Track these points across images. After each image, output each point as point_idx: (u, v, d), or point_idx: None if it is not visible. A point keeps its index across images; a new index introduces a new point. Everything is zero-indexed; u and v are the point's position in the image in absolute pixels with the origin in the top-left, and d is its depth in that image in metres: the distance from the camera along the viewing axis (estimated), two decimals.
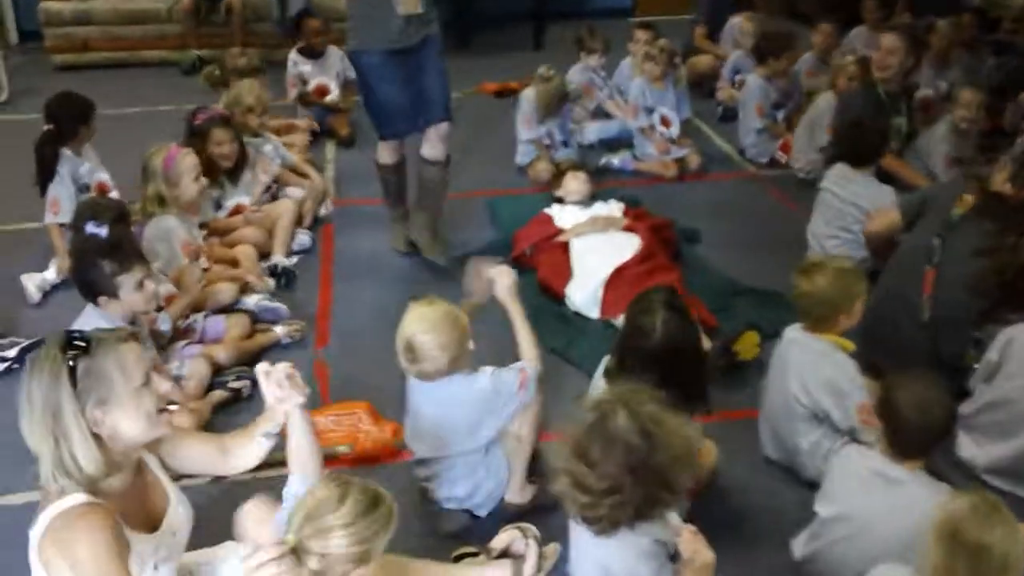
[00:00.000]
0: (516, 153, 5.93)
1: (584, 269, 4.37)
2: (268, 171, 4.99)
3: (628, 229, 4.62)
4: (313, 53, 6.51)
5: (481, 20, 8.78)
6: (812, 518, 2.81)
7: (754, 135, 6.11)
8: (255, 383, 3.65)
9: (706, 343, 3.80)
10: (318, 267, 4.76)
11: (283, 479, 2.43)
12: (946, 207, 3.55)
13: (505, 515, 3.01)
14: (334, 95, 6.53)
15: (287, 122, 5.89)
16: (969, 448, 3.23)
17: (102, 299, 3.23)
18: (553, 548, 2.80)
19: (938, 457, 2.80)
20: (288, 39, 7.21)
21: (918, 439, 2.57)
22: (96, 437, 2.06)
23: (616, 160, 5.98)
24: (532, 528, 2.78)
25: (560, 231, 4.67)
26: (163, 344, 3.68)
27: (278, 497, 2.41)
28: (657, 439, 2.06)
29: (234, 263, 4.42)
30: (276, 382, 2.36)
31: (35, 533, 2.06)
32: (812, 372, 3.10)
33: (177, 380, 3.56)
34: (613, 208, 4.86)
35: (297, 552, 1.89)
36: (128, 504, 2.17)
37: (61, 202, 4.47)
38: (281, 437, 2.46)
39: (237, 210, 4.78)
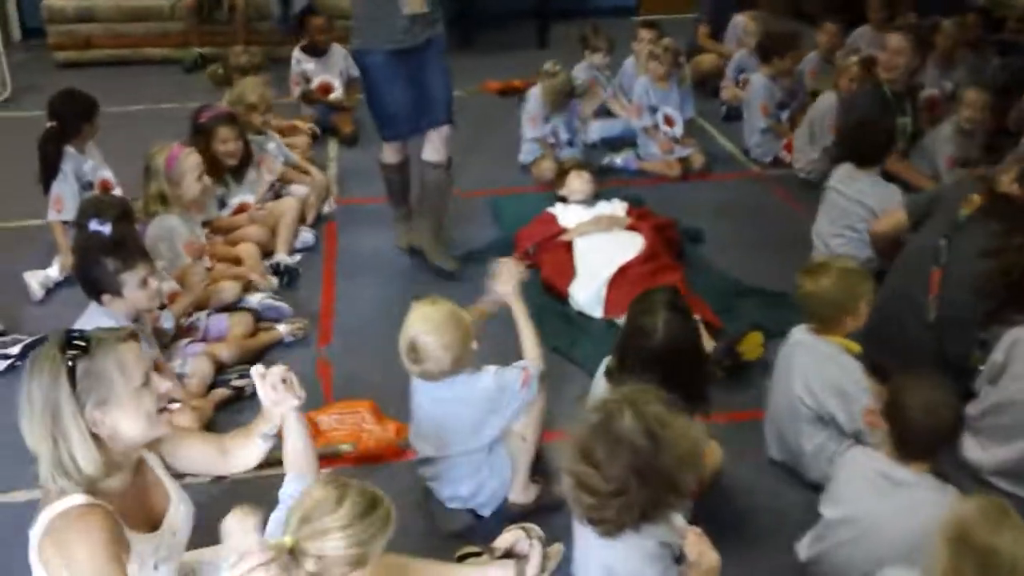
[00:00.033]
0: (520, 151, 5.93)
1: (588, 268, 4.36)
2: (272, 170, 4.98)
3: (632, 228, 4.61)
4: (316, 51, 6.51)
5: (485, 18, 8.78)
6: (817, 520, 2.80)
7: (758, 135, 6.10)
8: None
9: (710, 343, 3.81)
10: (321, 265, 4.75)
11: (283, 478, 2.44)
12: (953, 208, 3.54)
13: (508, 515, 3.00)
14: (338, 93, 6.53)
15: (289, 123, 5.87)
16: (974, 450, 3.21)
17: (106, 297, 3.21)
18: (557, 549, 2.78)
19: (943, 459, 2.78)
20: (289, 37, 7.22)
21: (925, 441, 2.55)
22: (95, 437, 2.05)
23: (619, 159, 5.97)
24: (536, 528, 2.76)
25: (563, 230, 4.66)
26: (166, 342, 3.68)
27: (272, 499, 2.40)
28: (663, 440, 2.05)
29: (237, 261, 4.42)
30: (271, 385, 2.36)
31: (35, 533, 2.05)
32: (817, 374, 3.09)
33: (180, 378, 3.56)
34: (617, 207, 4.85)
35: (294, 554, 1.88)
36: (128, 504, 2.16)
37: (64, 199, 4.46)
38: (279, 438, 2.45)
39: (241, 208, 4.77)
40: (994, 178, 3.59)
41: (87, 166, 4.59)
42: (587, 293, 4.24)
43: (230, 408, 3.59)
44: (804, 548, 2.80)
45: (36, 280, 4.37)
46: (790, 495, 3.19)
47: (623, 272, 4.21)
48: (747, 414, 3.49)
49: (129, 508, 2.16)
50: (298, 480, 2.33)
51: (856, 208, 4.36)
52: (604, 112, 6.53)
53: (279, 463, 2.49)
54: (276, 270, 4.50)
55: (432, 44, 4.28)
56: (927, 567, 2.11)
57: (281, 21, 7.56)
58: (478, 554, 2.79)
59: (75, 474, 2.02)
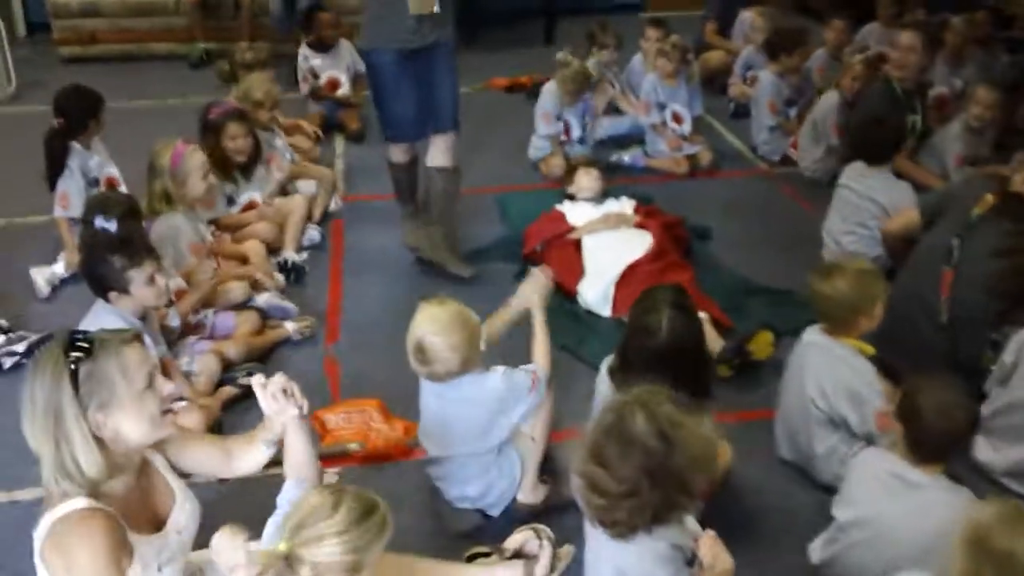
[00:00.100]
0: (529, 147, 5.91)
1: (596, 267, 4.34)
2: (282, 168, 4.97)
3: (640, 226, 4.59)
4: (323, 46, 6.48)
5: (491, 15, 8.74)
6: (828, 521, 2.79)
7: (766, 132, 6.08)
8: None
9: (719, 342, 3.79)
10: (328, 263, 4.74)
11: None
12: (966, 207, 3.52)
13: (517, 515, 2.99)
14: (345, 89, 6.51)
15: (293, 122, 5.85)
16: (986, 451, 3.19)
17: (113, 294, 3.19)
18: (567, 550, 2.77)
19: (955, 460, 2.76)
20: (288, 35, 7.23)
21: (938, 443, 2.53)
22: (98, 440, 2.04)
23: (627, 157, 5.95)
24: (546, 529, 2.75)
25: (571, 228, 4.64)
26: (172, 339, 3.66)
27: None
28: (675, 441, 2.03)
29: (243, 259, 4.39)
30: (272, 395, 2.35)
31: (38, 535, 2.04)
32: (830, 376, 3.07)
33: (187, 376, 3.54)
34: (625, 205, 4.82)
35: (288, 560, 1.86)
36: (131, 505, 2.15)
37: (70, 196, 4.45)
38: (281, 445, 2.44)
39: (250, 206, 4.75)
40: (1008, 178, 3.56)
41: (93, 163, 4.58)
42: (595, 291, 4.22)
43: (237, 406, 3.57)
44: (816, 551, 2.79)
45: (42, 277, 4.36)
46: (800, 495, 3.17)
47: (632, 270, 4.20)
48: (756, 413, 3.47)
49: (133, 510, 2.15)
50: (297, 486, 2.31)
51: (867, 205, 4.34)
52: (612, 109, 6.49)
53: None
54: (283, 267, 4.49)
55: (441, 49, 4.23)
56: (942, 570, 2.09)
57: (281, 20, 7.53)
58: (487, 554, 2.79)
59: (77, 477, 2.01)
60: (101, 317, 3.14)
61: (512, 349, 3.13)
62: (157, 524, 2.22)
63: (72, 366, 1.99)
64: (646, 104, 5.98)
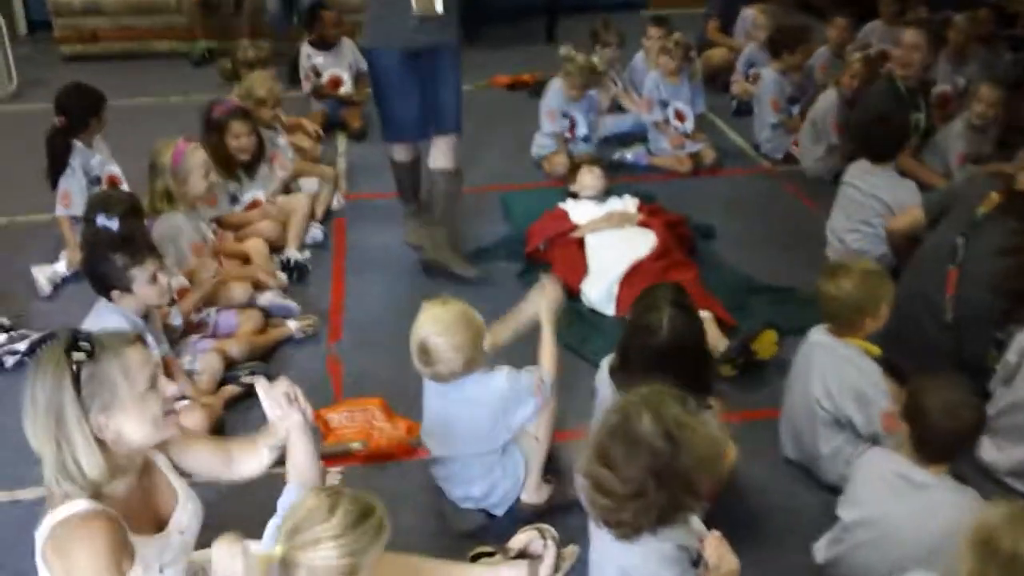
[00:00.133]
0: (532, 145, 5.90)
1: (599, 265, 4.33)
2: (286, 167, 4.96)
3: (643, 225, 4.58)
4: (325, 45, 6.47)
5: (494, 12, 8.73)
6: (832, 521, 2.78)
7: (769, 130, 6.07)
8: (268, 378, 3.66)
9: (723, 341, 3.78)
10: (330, 261, 4.73)
11: None
12: (971, 205, 3.50)
13: (521, 515, 2.98)
14: (347, 87, 6.50)
15: (295, 120, 5.83)
16: (990, 451, 3.18)
17: (115, 293, 3.18)
18: (571, 550, 2.76)
19: (960, 460, 2.75)
20: (285, 34, 7.26)
21: (944, 443, 2.52)
22: (99, 442, 2.02)
23: (630, 155, 5.94)
24: (550, 529, 2.74)
25: (575, 227, 4.63)
26: (175, 338, 3.65)
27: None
28: (682, 442, 2.02)
29: (245, 258, 4.38)
30: (275, 401, 2.34)
31: (39, 536, 2.03)
32: (836, 377, 3.05)
33: (189, 375, 3.53)
34: (628, 204, 4.81)
35: (284, 564, 1.85)
36: (133, 506, 2.15)
37: (72, 195, 4.44)
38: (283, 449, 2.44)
39: (254, 204, 4.74)
40: (1013, 176, 3.54)
41: (95, 161, 4.57)
42: (599, 290, 4.21)
43: (240, 405, 3.56)
44: (821, 551, 2.78)
45: (44, 275, 4.35)
46: (805, 495, 3.16)
47: (635, 269, 4.19)
48: (761, 413, 3.46)
49: (134, 510, 2.14)
50: (299, 490, 2.30)
51: (872, 203, 4.33)
52: (615, 107, 6.48)
53: None
54: (286, 266, 4.48)
55: (445, 49, 4.20)
56: (948, 570, 2.08)
57: (279, 19, 7.52)
58: (491, 554, 2.78)
59: (79, 478, 2.00)
60: (103, 317, 3.13)
61: (516, 351, 3.10)
62: (159, 524, 2.21)
63: (74, 368, 1.98)
64: (648, 102, 5.97)
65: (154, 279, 3.21)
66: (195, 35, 7.90)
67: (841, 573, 2.70)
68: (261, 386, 2.38)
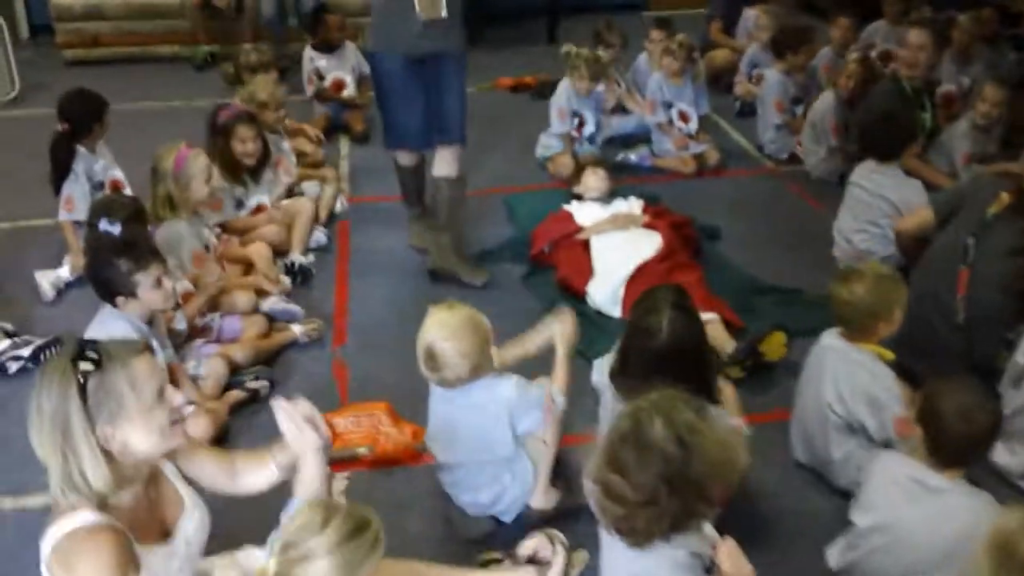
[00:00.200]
0: (536, 147, 5.88)
1: (605, 267, 4.31)
2: (290, 172, 4.94)
3: (648, 226, 4.56)
4: (328, 48, 6.46)
5: (494, 14, 8.71)
6: (844, 525, 2.76)
7: (773, 131, 6.05)
8: (273, 383, 3.66)
9: (731, 343, 3.76)
10: (334, 265, 4.70)
11: None
12: (981, 205, 3.49)
13: (529, 520, 2.96)
14: (350, 90, 6.48)
15: (297, 125, 5.81)
16: (1003, 454, 3.15)
17: (120, 299, 3.16)
18: (581, 556, 2.74)
19: (973, 464, 2.72)
20: (280, 38, 7.26)
21: (959, 447, 2.50)
22: (106, 453, 2.00)
23: (634, 156, 5.93)
24: (559, 534, 2.72)
25: (580, 228, 4.61)
26: (179, 343, 3.63)
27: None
28: (694, 448, 1.99)
29: (248, 263, 4.36)
30: (294, 422, 2.32)
31: (45, 548, 2.01)
32: (849, 382, 3.03)
33: (194, 379, 3.51)
34: (633, 205, 4.80)
35: None
36: (140, 516, 2.13)
37: (75, 200, 4.42)
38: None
39: (259, 209, 4.72)
40: (1022, 176, 3.52)
41: (98, 166, 4.55)
42: (604, 292, 4.18)
43: (245, 410, 3.55)
44: (835, 556, 2.76)
45: (47, 280, 4.33)
46: (816, 499, 3.14)
47: (641, 271, 4.16)
48: (770, 415, 3.43)
49: (141, 520, 2.12)
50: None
51: (879, 203, 4.32)
52: (618, 108, 6.46)
53: None
54: (290, 269, 4.45)
55: (450, 57, 4.17)
56: (963, 575, 2.06)
57: (275, 24, 7.52)
58: (499, 560, 2.76)
59: (85, 489, 1.98)
60: (108, 324, 3.11)
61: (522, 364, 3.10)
62: (165, 533, 2.20)
63: (80, 378, 1.96)
64: (652, 103, 5.95)
65: (159, 283, 3.20)
66: (197, 39, 7.87)
67: None
68: (280, 405, 2.36)
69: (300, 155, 5.34)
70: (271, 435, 3.26)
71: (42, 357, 3.81)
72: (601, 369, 2.97)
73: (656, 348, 2.65)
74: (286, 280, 4.37)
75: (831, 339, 3.14)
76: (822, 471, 3.18)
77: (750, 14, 7.36)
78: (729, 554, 2.12)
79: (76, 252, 4.37)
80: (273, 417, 3.37)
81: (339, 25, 6.48)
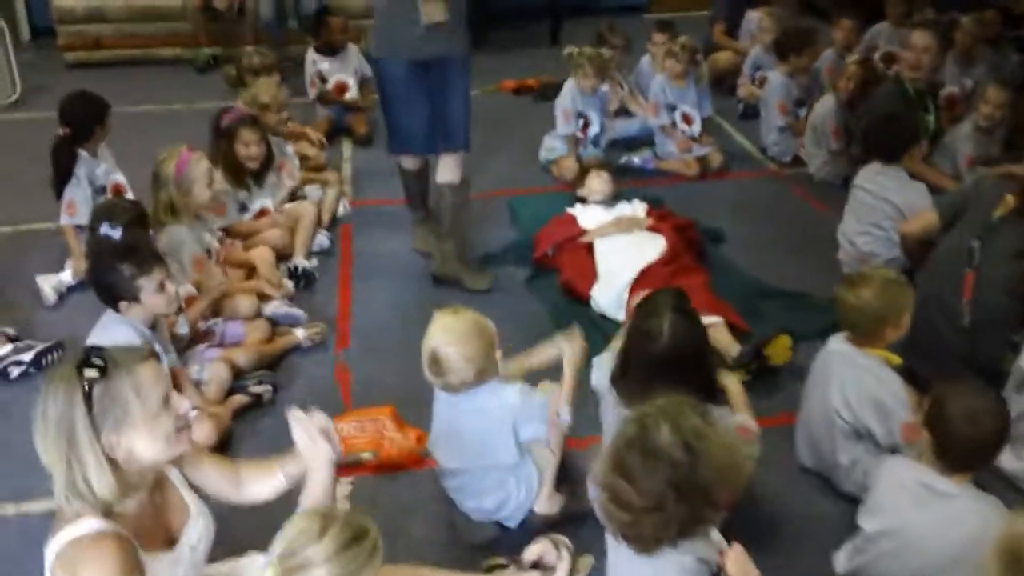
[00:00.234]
0: (540, 149, 5.87)
1: (609, 271, 4.29)
2: (294, 175, 4.93)
3: (652, 229, 4.55)
4: (331, 50, 6.45)
5: (497, 17, 8.71)
6: (851, 528, 2.75)
7: (776, 133, 6.04)
8: (276, 388, 3.65)
9: (735, 346, 3.74)
10: (337, 268, 4.69)
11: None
12: (986, 208, 3.48)
13: (534, 525, 2.95)
14: (353, 92, 6.47)
15: (299, 129, 5.80)
16: (1009, 459, 3.12)
17: (123, 304, 3.14)
18: (586, 561, 2.73)
19: (982, 468, 2.71)
20: (278, 40, 7.25)
21: (967, 451, 2.48)
22: (111, 461, 1.99)
23: (637, 159, 5.91)
24: (564, 539, 2.70)
25: (583, 232, 4.60)
26: (181, 347, 3.62)
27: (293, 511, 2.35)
28: (701, 454, 1.98)
29: (250, 267, 4.34)
30: (308, 434, 2.32)
31: (49, 555, 2.00)
32: (856, 388, 3.01)
33: (197, 384, 3.50)
34: (637, 208, 4.79)
35: None
36: (145, 523, 2.12)
37: (77, 204, 4.40)
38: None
39: (262, 213, 4.71)
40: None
41: (100, 170, 4.53)
42: (609, 296, 4.17)
43: (248, 415, 3.54)
44: (842, 561, 2.74)
45: (49, 284, 4.32)
46: (822, 503, 3.13)
47: (645, 274, 4.14)
48: (775, 420, 3.40)
49: (146, 527, 2.11)
50: None
51: (882, 206, 4.30)
52: (621, 111, 6.45)
53: None
54: (293, 273, 4.44)
55: (454, 62, 4.16)
56: None
57: (274, 26, 7.50)
58: (504, 566, 2.74)
59: (89, 497, 1.97)
60: (110, 329, 3.11)
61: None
62: (170, 540, 2.19)
63: (86, 385, 1.95)
64: (655, 105, 5.94)
65: (162, 287, 3.19)
66: (199, 42, 7.86)
67: None
68: (295, 416, 2.35)
69: (303, 159, 5.33)
70: (274, 440, 3.27)
71: (44, 362, 3.80)
72: (600, 368, 2.95)
73: (657, 352, 2.64)
74: (289, 284, 4.36)
75: (838, 344, 3.12)
76: (828, 475, 3.17)
77: (753, 16, 7.35)
78: (736, 560, 2.10)
79: (78, 256, 4.36)
80: (276, 422, 3.37)
81: (342, 27, 6.48)
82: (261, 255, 4.39)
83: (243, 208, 4.66)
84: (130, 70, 7.80)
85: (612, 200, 4.87)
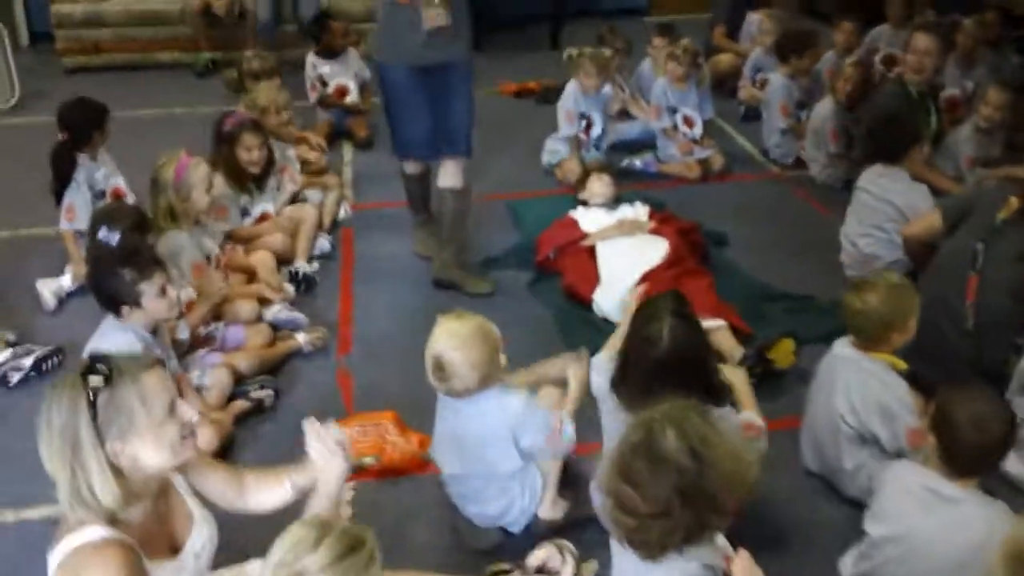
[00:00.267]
0: (542, 152, 5.86)
1: (611, 274, 4.28)
2: (295, 179, 4.92)
3: (655, 232, 4.54)
4: (331, 54, 6.44)
5: (498, 20, 8.70)
6: (856, 533, 2.73)
7: (778, 135, 6.03)
8: (277, 393, 3.64)
9: (739, 350, 3.73)
10: (338, 272, 4.68)
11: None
12: (990, 211, 3.47)
13: (538, 531, 2.93)
14: (353, 96, 6.46)
15: (300, 134, 5.79)
16: (1015, 464, 3.10)
17: (124, 309, 3.13)
18: (590, 566, 2.71)
19: (988, 473, 2.70)
20: (273, 43, 7.25)
21: (973, 456, 2.47)
22: (115, 469, 1.98)
23: (639, 162, 5.90)
24: (569, 544, 2.70)
25: (585, 235, 4.59)
26: (182, 352, 3.60)
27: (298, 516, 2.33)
28: (707, 459, 1.97)
29: (251, 272, 4.33)
30: (325, 445, 2.31)
31: (52, 562, 1.99)
32: (861, 392, 3.00)
33: (198, 390, 3.49)
34: (639, 211, 4.77)
35: None
36: (149, 531, 2.11)
37: (76, 209, 4.40)
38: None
39: (264, 217, 4.70)
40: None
41: (99, 174, 4.52)
42: (611, 299, 4.14)
43: (250, 420, 3.53)
44: (848, 566, 2.73)
45: (48, 289, 4.31)
46: (827, 507, 3.12)
47: (648, 278, 4.12)
48: (779, 423, 3.38)
49: (150, 535, 2.10)
50: None
51: (884, 207, 4.29)
52: (623, 114, 6.44)
53: None
54: (294, 277, 4.43)
55: (457, 67, 4.15)
56: None
57: (270, 29, 7.49)
58: (508, 571, 2.73)
59: (94, 505, 1.96)
60: (111, 335, 3.09)
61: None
62: (174, 548, 2.18)
63: (90, 393, 1.94)
64: (656, 108, 5.93)
65: (163, 292, 3.17)
66: (198, 46, 7.85)
67: None
68: (312, 427, 2.35)
69: (303, 163, 5.31)
70: (275, 445, 3.27)
71: (44, 367, 3.80)
72: (598, 371, 2.93)
73: (657, 357, 2.61)
74: (290, 288, 4.34)
75: (843, 348, 3.11)
76: (833, 480, 3.16)
77: (754, 18, 7.34)
78: (742, 566, 2.09)
79: (77, 261, 4.35)
80: (278, 427, 3.37)
81: (343, 31, 6.48)
82: (262, 259, 4.38)
83: (245, 213, 4.65)
84: (129, 74, 7.80)
85: (614, 203, 4.85)
